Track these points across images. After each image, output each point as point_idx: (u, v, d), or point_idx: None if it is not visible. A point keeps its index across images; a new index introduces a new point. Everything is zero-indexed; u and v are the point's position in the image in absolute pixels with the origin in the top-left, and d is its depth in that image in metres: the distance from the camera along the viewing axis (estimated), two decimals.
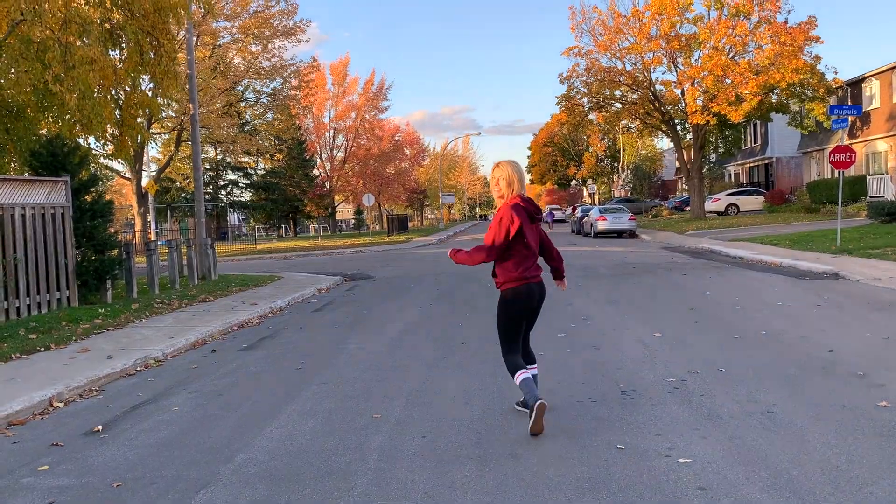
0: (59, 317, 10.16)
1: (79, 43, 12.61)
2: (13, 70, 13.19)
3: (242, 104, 39.01)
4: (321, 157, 63.62)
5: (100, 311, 10.79)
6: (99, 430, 5.19)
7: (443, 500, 3.57)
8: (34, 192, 10.80)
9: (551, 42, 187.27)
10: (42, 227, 10.85)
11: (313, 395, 5.88)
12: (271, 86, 38.27)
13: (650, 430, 4.46)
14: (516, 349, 4.71)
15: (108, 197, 13.44)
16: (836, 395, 5.03)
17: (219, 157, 50.50)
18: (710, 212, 38.72)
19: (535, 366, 4.95)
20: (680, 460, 3.93)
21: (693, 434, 4.35)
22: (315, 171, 62.14)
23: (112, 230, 12.89)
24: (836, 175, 33.51)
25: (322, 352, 7.79)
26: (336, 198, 65.54)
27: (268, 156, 47.41)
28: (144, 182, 30.85)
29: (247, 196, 56.68)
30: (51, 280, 11.00)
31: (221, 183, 53.80)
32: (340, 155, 63.84)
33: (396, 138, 70.40)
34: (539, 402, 4.37)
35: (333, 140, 64.39)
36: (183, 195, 48.72)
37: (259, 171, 56.11)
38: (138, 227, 31.40)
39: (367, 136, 63.75)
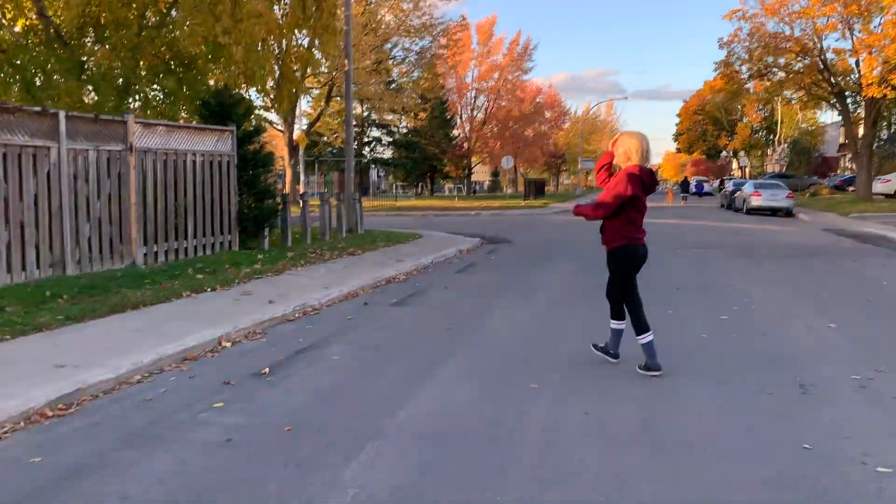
0: (223, 259, 10.74)
1: None
2: (188, 23, 13.92)
3: (390, 62, 39.56)
4: (461, 118, 63.83)
5: (259, 256, 11.32)
6: (266, 373, 5.40)
7: (615, 487, 3.41)
8: (204, 140, 11.39)
9: (706, 5, 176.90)
10: (209, 174, 11.45)
11: (466, 357, 5.85)
12: (420, 44, 38.54)
13: (838, 431, 4.09)
14: (633, 303, 5.30)
15: (267, 148, 14.00)
16: None
17: (364, 114, 51.68)
18: (878, 194, 35.52)
19: (624, 322, 5.39)
20: (879, 469, 3.56)
21: (891, 441, 3.94)
22: (455, 132, 62.47)
23: (271, 180, 13.45)
24: None
25: (470, 314, 7.77)
26: (473, 159, 65.72)
27: (411, 115, 47.99)
28: (296, 135, 32.06)
29: (388, 153, 57.85)
30: (214, 224, 11.64)
31: (365, 139, 55.13)
32: (480, 116, 63.82)
33: (538, 100, 69.47)
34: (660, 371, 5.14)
35: (474, 101, 64.38)
36: (329, 149, 50.35)
37: (401, 130, 57.02)
38: (288, 178, 32.77)
39: (509, 98, 63.24)
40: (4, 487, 3.41)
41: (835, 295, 8.91)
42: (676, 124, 78.43)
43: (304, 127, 37.57)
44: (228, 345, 6.39)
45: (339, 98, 35.83)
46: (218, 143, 11.66)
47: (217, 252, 11.58)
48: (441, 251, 13.83)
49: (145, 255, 10.13)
